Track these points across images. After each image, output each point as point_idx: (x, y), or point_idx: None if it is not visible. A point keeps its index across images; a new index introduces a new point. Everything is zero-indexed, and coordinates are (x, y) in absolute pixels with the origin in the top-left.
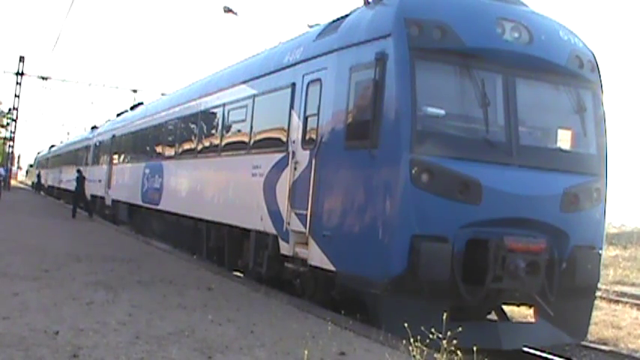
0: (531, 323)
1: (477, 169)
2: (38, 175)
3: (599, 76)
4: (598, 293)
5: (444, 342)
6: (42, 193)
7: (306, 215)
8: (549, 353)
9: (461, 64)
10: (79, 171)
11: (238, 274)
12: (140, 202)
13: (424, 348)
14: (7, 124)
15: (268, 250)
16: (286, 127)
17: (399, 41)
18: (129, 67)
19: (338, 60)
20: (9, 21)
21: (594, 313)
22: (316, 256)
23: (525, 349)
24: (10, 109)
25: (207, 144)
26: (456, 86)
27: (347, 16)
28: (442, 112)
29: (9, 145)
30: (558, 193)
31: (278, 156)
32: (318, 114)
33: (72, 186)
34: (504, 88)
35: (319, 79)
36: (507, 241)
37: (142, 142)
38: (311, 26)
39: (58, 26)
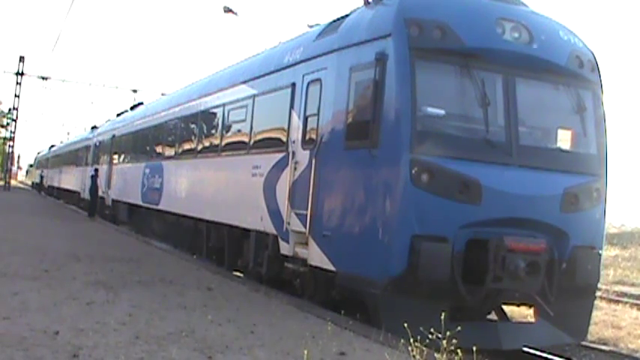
0: (531, 323)
1: (476, 169)
2: (41, 176)
3: (599, 76)
4: (598, 293)
5: (444, 342)
6: (42, 193)
7: (306, 215)
8: (549, 353)
9: (461, 64)
10: (96, 170)
11: (238, 274)
12: (140, 202)
13: (424, 348)
14: (7, 124)
15: (268, 250)
16: (286, 127)
17: (399, 41)
18: (129, 67)
19: (338, 60)
20: (9, 21)
21: (594, 313)
22: (316, 256)
23: (525, 349)
24: (10, 109)
25: (207, 144)
26: (455, 86)
27: (347, 16)
28: (442, 112)
29: (9, 145)
30: (558, 193)
31: (278, 156)
32: (318, 114)
33: (72, 186)
34: (504, 88)
35: (319, 79)
36: (507, 241)
37: (142, 142)
38: (311, 26)
39: (58, 26)
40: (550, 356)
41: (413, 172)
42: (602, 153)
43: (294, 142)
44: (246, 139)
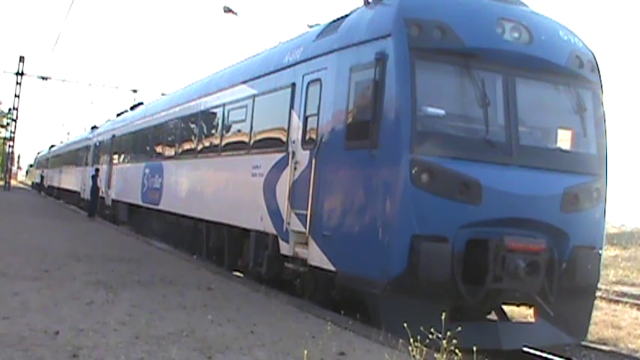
0: (531, 323)
1: (476, 169)
2: (41, 176)
3: (599, 76)
4: (598, 293)
5: (444, 342)
6: (42, 193)
7: (306, 215)
8: (549, 353)
9: (461, 64)
10: (96, 170)
11: (238, 274)
12: (140, 202)
13: (424, 348)
14: (7, 124)
15: (268, 250)
16: (286, 127)
17: (398, 41)
18: (129, 67)
19: (338, 60)
20: (9, 21)
21: (594, 313)
22: (316, 256)
23: (525, 349)
24: (10, 109)
25: (207, 144)
26: (456, 86)
27: (347, 16)
28: (442, 112)
29: (9, 145)
30: (558, 193)
31: (278, 156)
32: (318, 114)
33: (72, 186)
34: (504, 88)
35: (319, 79)
36: (507, 241)
37: (142, 142)
38: (311, 26)
39: (58, 26)
40: (550, 356)
41: (413, 172)
42: (602, 153)
43: (294, 142)
44: (246, 139)
